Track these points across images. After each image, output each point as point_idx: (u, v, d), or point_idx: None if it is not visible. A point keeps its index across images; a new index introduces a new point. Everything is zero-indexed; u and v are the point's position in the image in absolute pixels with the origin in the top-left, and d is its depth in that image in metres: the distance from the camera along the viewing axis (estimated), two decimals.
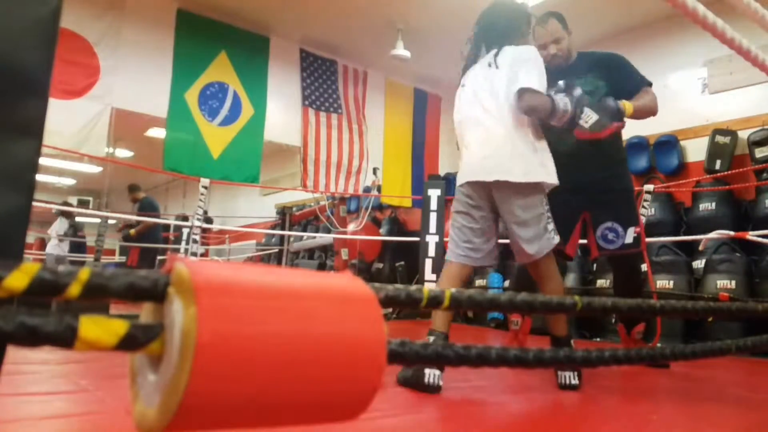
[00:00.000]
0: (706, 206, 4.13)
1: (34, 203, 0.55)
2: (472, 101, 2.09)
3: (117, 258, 9.25)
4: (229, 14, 5.18)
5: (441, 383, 1.79)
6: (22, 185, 0.54)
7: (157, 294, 0.47)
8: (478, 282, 5.17)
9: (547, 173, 2.00)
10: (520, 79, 1.96)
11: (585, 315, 3.94)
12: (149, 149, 7.56)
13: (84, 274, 0.44)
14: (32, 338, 0.41)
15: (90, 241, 7.77)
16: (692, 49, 4.66)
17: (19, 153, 0.53)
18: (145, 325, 0.46)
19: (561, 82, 2.09)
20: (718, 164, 4.23)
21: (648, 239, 3.86)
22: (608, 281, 4.11)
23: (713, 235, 3.18)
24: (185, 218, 7.57)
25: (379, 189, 6.17)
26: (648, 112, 2.34)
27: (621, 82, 2.40)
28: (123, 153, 9.79)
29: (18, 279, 0.41)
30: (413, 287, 0.64)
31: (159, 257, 6.76)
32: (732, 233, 3.19)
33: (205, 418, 0.43)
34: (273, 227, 8.41)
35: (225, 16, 5.19)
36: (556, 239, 2.04)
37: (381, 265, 6.44)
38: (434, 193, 4.79)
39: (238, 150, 5.21)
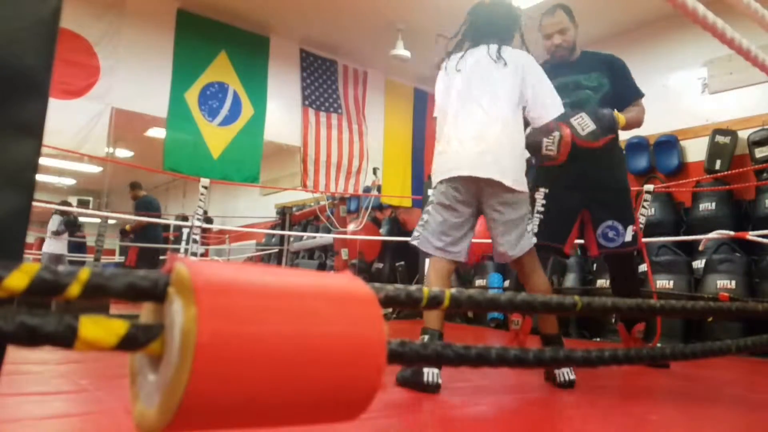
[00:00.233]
0: (706, 206, 4.13)
1: (34, 203, 0.55)
2: (468, 93, 2.04)
3: (117, 258, 9.26)
4: (229, 14, 5.18)
5: (440, 381, 1.79)
6: (22, 185, 0.54)
7: (157, 294, 0.47)
8: (478, 282, 5.17)
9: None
10: (548, 104, 2.02)
11: (585, 315, 3.94)
12: (149, 149, 7.57)
13: (84, 274, 0.44)
14: (32, 338, 0.41)
15: (90, 241, 7.76)
16: (692, 49, 4.66)
17: (19, 153, 0.53)
18: (145, 325, 0.46)
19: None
20: (718, 164, 4.23)
21: (648, 239, 3.87)
22: (608, 281, 4.10)
23: (713, 235, 3.18)
24: (185, 218, 7.57)
25: (379, 189, 6.17)
26: (636, 124, 2.45)
27: (622, 87, 2.47)
28: (123, 153, 9.79)
29: (18, 279, 0.41)
30: (413, 287, 0.64)
31: (161, 257, 6.76)
32: (732, 233, 3.19)
33: (205, 418, 0.43)
34: (273, 227, 8.41)
35: (225, 16, 5.19)
36: (534, 239, 2.06)
37: (381, 265, 6.44)
38: None
39: (238, 150, 5.21)
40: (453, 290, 0.68)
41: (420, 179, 6.32)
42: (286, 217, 8.20)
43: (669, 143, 4.63)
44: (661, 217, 4.33)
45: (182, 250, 7.20)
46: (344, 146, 5.88)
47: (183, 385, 0.40)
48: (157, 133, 6.74)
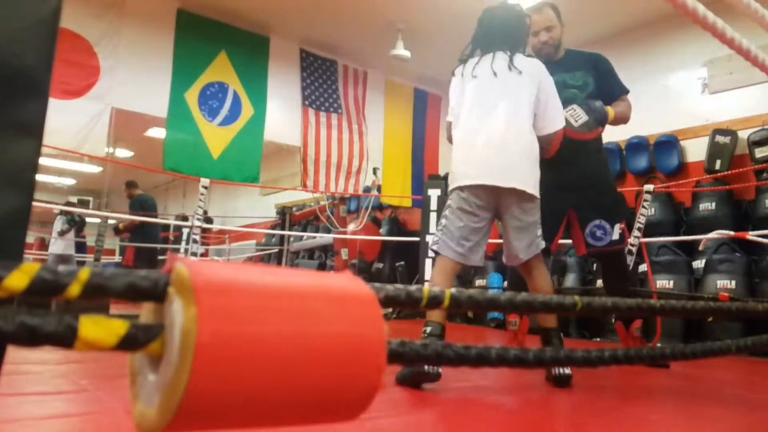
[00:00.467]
0: (706, 206, 4.13)
1: (34, 203, 0.55)
2: (485, 100, 2.07)
3: (117, 258, 9.25)
4: (229, 14, 5.18)
5: (440, 370, 1.82)
6: (22, 185, 0.54)
7: (157, 294, 0.47)
8: (478, 282, 5.17)
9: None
10: (555, 116, 2.10)
11: (585, 315, 3.94)
12: (149, 149, 7.57)
13: (84, 274, 0.44)
14: (32, 338, 0.41)
15: (90, 241, 7.77)
16: (692, 49, 4.66)
17: (19, 153, 0.53)
18: (145, 325, 0.46)
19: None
20: (718, 164, 4.23)
21: (648, 239, 3.87)
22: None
23: (713, 235, 3.18)
24: (185, 218, 7.57)
25: (379, 189, 6.17)
26: (623, 119, 2.48)
27: (607, 84, 2.51)
28: (123, 153, 9.79)
29: (18, 279, 0.41)
30: (413, 287, 0.64)
31: (159, 257, 6.76)
32: (732, 233, 3.19)
33: (204, 418, 0.43)
34: (273, 227, 8.41)
35: (225, 16, 5.19)
36: (543, 244, 2.12)
37: (381, 265, 6.44)
38: (434, 193, 4.79)
39: (238, 150, 5.21)
40: (453, 290, 0.68)
41: (420, 179, 6.32)
42: (286, 217, 8.20)
43: (669, 143, 4.63)
44: (661, 217, 4.33)
45: (182, 250, 7.20)
46: (344, 146, 5.88)
47: (183, 385, 0.40)
48: (157, 133, 6.74)
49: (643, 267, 3.96)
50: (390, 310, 4.54)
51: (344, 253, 6.63)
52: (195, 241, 4.26)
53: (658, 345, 3.07)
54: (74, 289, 0.43)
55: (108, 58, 4.54)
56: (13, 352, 0.50)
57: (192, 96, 4.99)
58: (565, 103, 2.39)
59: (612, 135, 4.56)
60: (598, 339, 4.08)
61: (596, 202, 2.47)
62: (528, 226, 2.05)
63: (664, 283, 3.90)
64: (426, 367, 1.79)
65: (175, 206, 11.08)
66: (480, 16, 2.19)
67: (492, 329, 4.60)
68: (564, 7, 2.63)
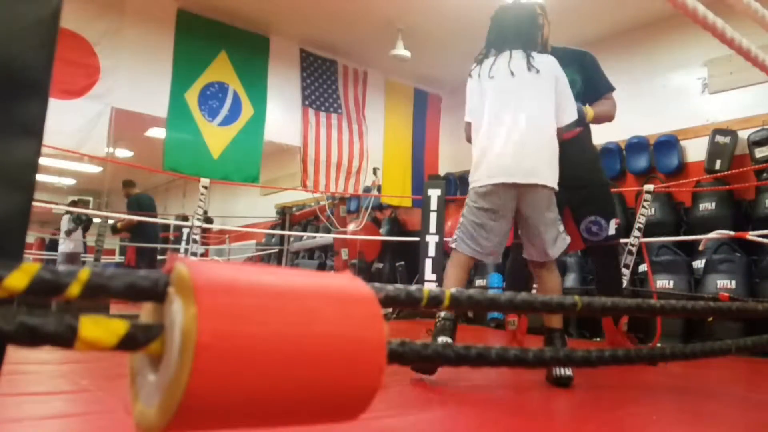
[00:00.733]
0: (706, 206, 4.13)
1: (35, 203, 0.55)
2: (505, 99, 2.09)
3: (117, 258, 9.25)
4: (229, 14, 5.18)
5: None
6: (22, 185, 0.53)
7: (157, 294, 0.47)
8: (478, 282, 5.17)
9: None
10: (568, 110, 2.12)
11: (585, 315, 3.94)
12: (149, 149, 7.56)
13: (84, 274, 0.44)
14: (32, 338, 0.41)
15: (90, 240, 7.77)
16: (692, 49, 4.66)
17: (19, 153, 0.53)
18: (145, 325, 0.46)
19: None
20: (718, 164, 4.23)
21: (648, 239, 3.87)
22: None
23: (713, 235, 3.18)
24: (185, 218, 7.57)
25: (379, 189, 6.16)
26: (607, 118, 2.52)
27: (594, 81, 2.54)
28: (123, 153, 9.79)
29: (18, 279, 0.41)
30: (413, 287, 0.64)
31: (159, 257, 6.76)
32: (732, 233, 3.19)
33: (205, 418, 0.43)
34: (273, 227, 8.41)
35: (225, 16, 5.19)
36: (569, 239, 2.15)
37: (381, 265, 6.44)
38: (434, 193, 4.79)
39: (238, 150, 5.21)
40: (453, 290, 0.68)
41: (420, 179, 6.32)
42: (286, 217, 8.20)
43: (669, 143, 4.63)
44: (661, 217, 4.33)
45: (182, 250, 7.19)
46: (344, 146, 5.88)
47: (183, 385, 0.40)
48: (157, 133, 6.74)
49: (643, 267, 3.96)
50: (390, 310, 4.54)
51: (344, 253, 6.63)
52: (195, 241, 4.27)
53: (658, 345, 3.07)
54: (74, 289, 0.43)
55: (108, 58, 4.53)
56: (13, 352, 0.50)
57: (192, 96, 4.99)
58: None
59: (612, 135, 4.57)
60: (598, 339, 4.08)
61: (590, 199, 2.51)
62: (551, 221, 2.08)
63: (664, 283, 3.90)
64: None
65: (175, 206, 11.08)
66: (493, 15, 2.22)
67: (492, 329, 4.60)
68: (564, 7, 2.63)
